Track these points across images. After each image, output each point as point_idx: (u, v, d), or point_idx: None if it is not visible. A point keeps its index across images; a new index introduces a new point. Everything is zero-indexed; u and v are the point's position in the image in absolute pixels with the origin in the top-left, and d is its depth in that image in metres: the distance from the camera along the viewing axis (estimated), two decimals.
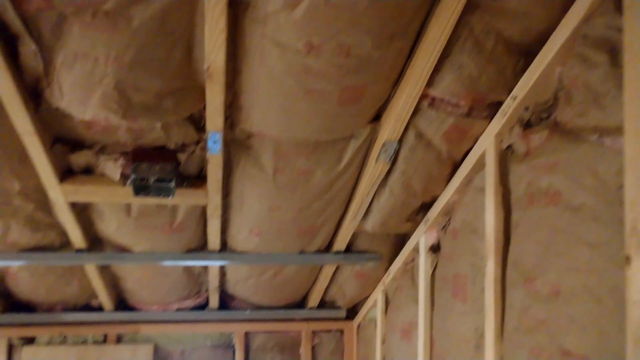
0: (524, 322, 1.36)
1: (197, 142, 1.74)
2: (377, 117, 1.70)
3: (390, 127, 1.65)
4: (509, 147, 1.55)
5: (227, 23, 1.25)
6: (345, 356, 3.15)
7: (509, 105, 1.50)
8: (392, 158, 1.76)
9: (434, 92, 1.55)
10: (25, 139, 1.55)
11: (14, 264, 2.20)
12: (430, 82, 1.50)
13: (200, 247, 2.32)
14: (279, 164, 1.80)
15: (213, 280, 2.63)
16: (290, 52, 1.33)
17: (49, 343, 2.87)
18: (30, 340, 2.86)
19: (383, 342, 2.55)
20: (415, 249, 2.19)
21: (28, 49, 1.28)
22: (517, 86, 1.47)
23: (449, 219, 1.92)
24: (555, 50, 1.30)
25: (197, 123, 1.68)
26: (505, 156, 1.57)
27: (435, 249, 2.05)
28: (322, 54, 1.33)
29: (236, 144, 1.74)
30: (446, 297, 1.87)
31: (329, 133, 1.67)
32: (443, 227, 1.98)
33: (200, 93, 1.52)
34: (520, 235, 1.44)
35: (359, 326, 3.04)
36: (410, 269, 2.29)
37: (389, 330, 2.50)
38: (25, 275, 2.38)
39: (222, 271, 2.58)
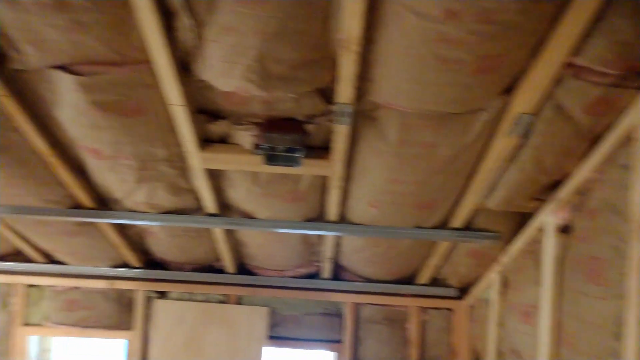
0: None
1: (324, 114, 1.79)
2: (509, 88, 1.63)
3: (526, 99, 1.57)
4: None
5: None
6: (455, 335, 3.11)
7: None
8: (525, 132, 1.68)
9: (579, 60, 1.44)
10: (174, 110, 1.70)
11: (156, 224, 2.44)
12: (575, 49, 1.40)
13: (318, 217, 2.41)
14: (404, 136, 1.79)
15: (327, 250, 2.72)
16: (427, 19, 1.31)
17: (179, 298, 3.18)
18: (162, 294, 3.18)
19: (499, 324, 2.48)
20: (541, 229, 2.09)
21: (183, 23, 1.40)
22: None
23: (585, 198, 1.80)
24: None
25: (325, 94, 1.72)
26: None
27: (564, 229, 1.94)
28: (461, 21, 1.29)
29: (362, 116, 1.76)
30: (578, 280, 1.76)
31: (459, 105, 1.63)
32: (576, 207, 1.85)
33: (331, 64, 1.56)
34: None
35: (470, 306, 2.98)
36: (533, 249, 2.19)
37: (506, 312, 2.42)
38: (163, 235, 2.64)
39: (337, 241, 2.66)
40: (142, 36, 1.44)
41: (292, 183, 2.13)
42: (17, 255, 3.01)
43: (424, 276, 2.92)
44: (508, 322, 2.40)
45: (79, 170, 2.14)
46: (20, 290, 3.16)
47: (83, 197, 2.27)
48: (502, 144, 1.76)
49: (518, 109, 1.61)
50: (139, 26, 1.40)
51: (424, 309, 3.14)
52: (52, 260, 3.03)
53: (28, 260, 3.02)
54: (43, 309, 3.19)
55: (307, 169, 1.96)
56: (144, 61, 1.56)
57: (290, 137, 1.81)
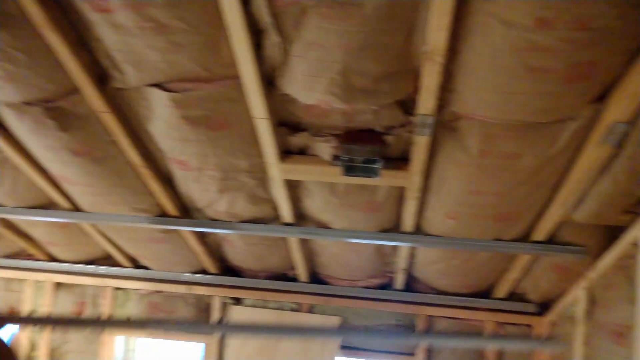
0: None
1: (403, 125, 1.79)
2: (601, 96, 1.55)
3: (621, 107, 1.49)
4: None
5: (453, 4, 1.26)
6: (535, 353, 2.97)
7: None
8: (619, 141, 1.59)
9: None
10: (258, 123, 1.77)
11: (236, 233, 2.53)
12: None
13: (393, 228, 2.40)
14: (485, 147, 1.75)
15: (401, 261, 2.69)
16: (517, 29, 1.28)
17: (253, 305, 3.26)
18: (238, 301, 3.28)
19: (586, 343, 2.34)
20: (635, 244, 1.96)
21: (271, 41, 1.45)
22: None
23: None
24: None
25: (405, 106, 1.72)
26: None
27: None
28: (554, 29, 1.25)
29: (442, 126, 1.75)
30: None
31: (547, 114, 1.58)
32: None
33: (413, 76, 1.56)
34: None
35: (552, 323, 2.83)
36: (626, 265, 2.06)
37: (594, 331, 2.28)
38: (240, 244, 2.73)
39: (412, 253, 2.63)
40: (231, 54, 1.51)
41: (369, 194, 2.14)
42: (106, 260, 3.22)
43: (502, 290, 2.82)
44: (596, 341, 2.27)
45: (167, 181, 2.27)
46: (109, 293, 3.38)
47: (169, 206, 2.40)
48: (593, 154, 1.68)
49: (612, 117, 1.53)
50: (230, 45, 1.47)
51: (501, 324, 3.03)
52: (138, 265, 3.22)
53: (116, 264, 3.22)
54: (128, 311, 3.39)
55: (385, 179, 1.96)
56: (232, 77, 1.63)
57: (368, 148, 1.82)
